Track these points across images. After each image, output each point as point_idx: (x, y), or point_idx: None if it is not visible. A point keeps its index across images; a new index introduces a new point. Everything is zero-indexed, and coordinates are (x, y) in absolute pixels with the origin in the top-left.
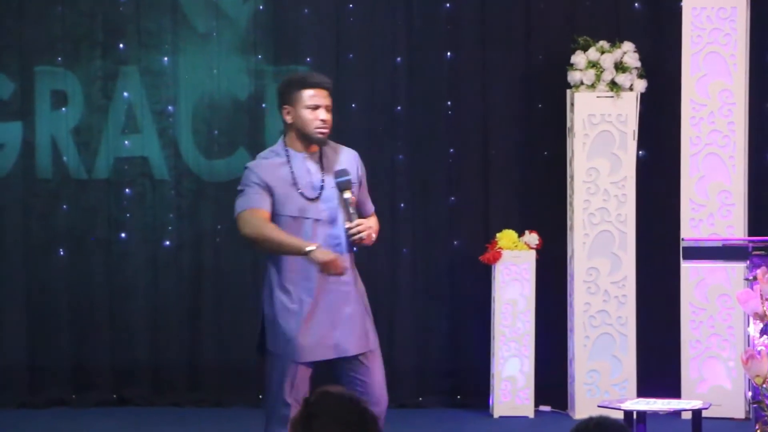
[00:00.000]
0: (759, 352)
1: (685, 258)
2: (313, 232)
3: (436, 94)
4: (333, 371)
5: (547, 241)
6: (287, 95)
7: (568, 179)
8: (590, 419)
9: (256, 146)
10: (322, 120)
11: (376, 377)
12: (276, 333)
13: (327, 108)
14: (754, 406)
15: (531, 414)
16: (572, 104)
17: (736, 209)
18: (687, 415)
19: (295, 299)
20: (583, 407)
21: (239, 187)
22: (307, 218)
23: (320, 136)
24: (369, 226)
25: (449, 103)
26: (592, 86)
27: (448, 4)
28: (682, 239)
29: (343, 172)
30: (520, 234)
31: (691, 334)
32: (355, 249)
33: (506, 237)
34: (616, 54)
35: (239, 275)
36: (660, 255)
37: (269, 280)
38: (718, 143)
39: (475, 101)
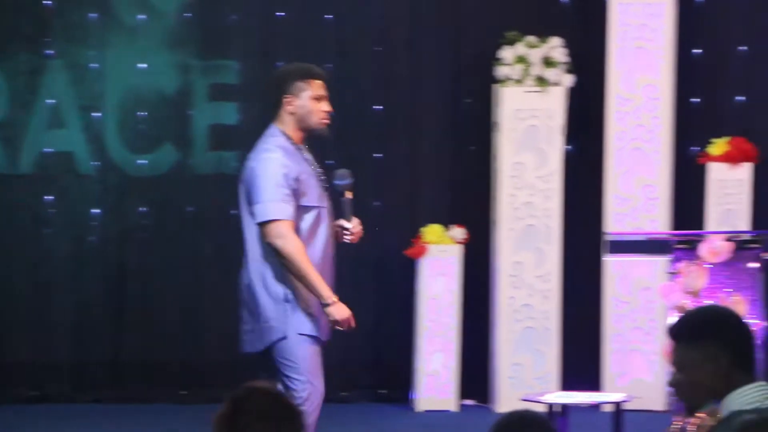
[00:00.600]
0: None
1: (608, 252)
2: (325, 221)
3: (364, 90)
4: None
5: (474, 235)
6: (289, 84)
7: (495, 174)
8: (513, 413)
9: (183, 141)
10: (327, 111)
11: None
12: (303, 315)
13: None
14: (674, 398)
15: (454, 408)
16: (500, 99)
17: (660, 203)
18: (608, 408)
19: None
20: (507, 401)
21: (264, 182)
22: (324, 207)
23: (323, 127)
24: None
25: (377, 98)
26: (520, 81)
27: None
28: (606, 233)
29: (344, 174)
30: (447, 228)
31: (614, 328)
32: None
33: (432, 231)
34: (544, 49)
35: (164, 271)
36: (585, 249)
37: (265, 272)
38: (643, 138)
39: (403, 96)
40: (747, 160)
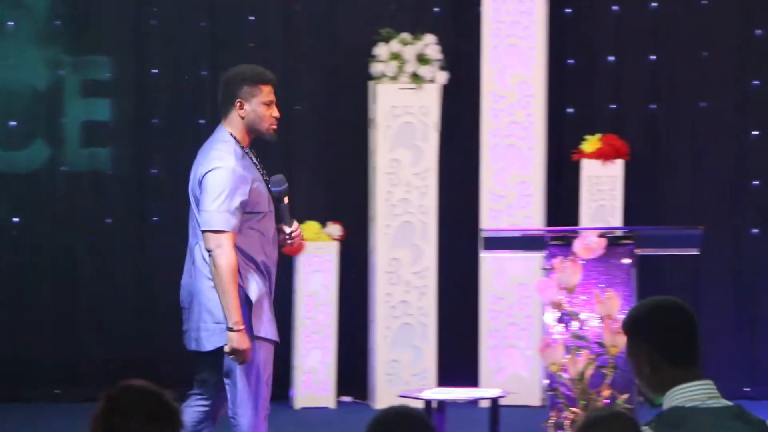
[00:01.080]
0: (555, 341)
1: (484, 248)
2: (273, 224)
3: None
4: None
5: (350, 232)
6: (240, 89)
7: (371, 170)
8: (390, 409)
9: (55, 137)
10: (276, 117)
11: None
12: (261, 316)
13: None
14: (550, 393)
15: (332, 405)
16: (375, 96)
17: (535, 200)
18: (485, 404)
19: (266, 281)
20: (384, 397)
21: (215, 191)
22: (270, 211)
23: (272, 132)
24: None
25: None
26: (395, 78)
27: None
28: (482, 230)
29: (281, 180)
30: (323, 225)
31: (490, 324)
32: None
33: (309, 228)
34: (418, 46)
35: (35, 269)
36: (461, 245)
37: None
38: (517, 135)
39: (277, 93)
40: (619, 156)
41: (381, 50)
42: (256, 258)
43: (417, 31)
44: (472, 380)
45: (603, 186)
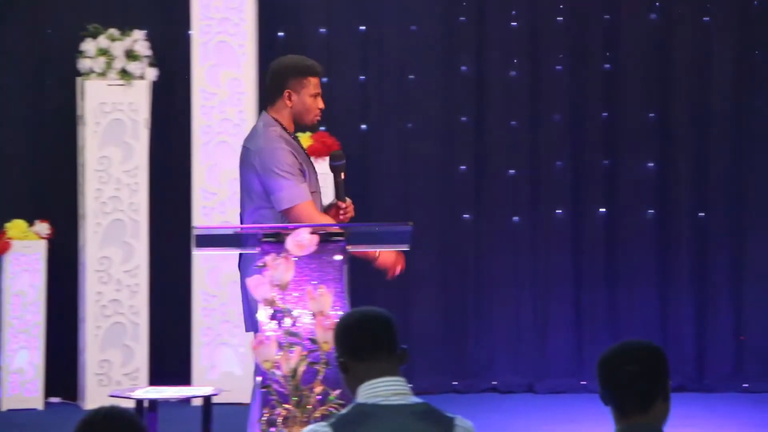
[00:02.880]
0: (268, 338)
1: (196, 246)
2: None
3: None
4: None
5: (60, 230)
6: (292, 80)
7: (80, 168)
8: (99, 409)
9: None
10: (321, 108)
11: None
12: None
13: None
14: (263, 390)
15: (40, 406)
16: (83, 92)
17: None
18: (198, 402)
19: None
20: (95, 397)
21: (278, 170)
22: (318, 192)
23: (315, 123)
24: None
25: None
26: (103, 74)
27: None
28: (194, 227)
29: (340, 156)
30: (31, 224)
31: (203, 322)
32: None
33: (15, 227)
34: (126, 42)
35: None
36: (173, 243)
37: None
38: (229, 132)
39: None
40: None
41: (88, 46)
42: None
43: (126, 27)
44: (185, 379)
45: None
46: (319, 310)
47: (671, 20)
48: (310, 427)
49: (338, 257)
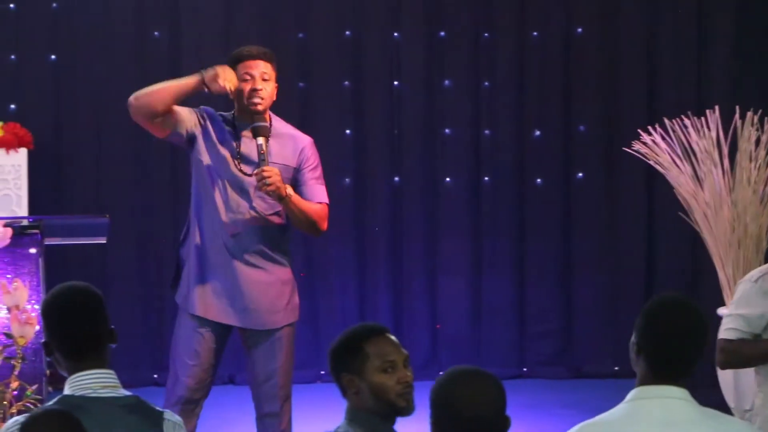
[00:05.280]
0: None
1: None
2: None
3: None
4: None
5: None
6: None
7: None
8: None
9: None
10: (254, 89)
11: None
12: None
13: (263, 76)
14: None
15: None
16: None
17: None
18: None
19: None
20: None
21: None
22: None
23: (254, 106)
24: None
25: None
26: None
27: None
28: None
29: (261, 118)
30: None
31: None
32: None
33: None
34: None
35: None
36: None
37: None
38: None
39: None
40: (22, 145)
41: None
42: None
43: None
44: None
45: (7, 175)
46: (14, 304)
47: None
48: (7, 423)
49: (33, 250)
